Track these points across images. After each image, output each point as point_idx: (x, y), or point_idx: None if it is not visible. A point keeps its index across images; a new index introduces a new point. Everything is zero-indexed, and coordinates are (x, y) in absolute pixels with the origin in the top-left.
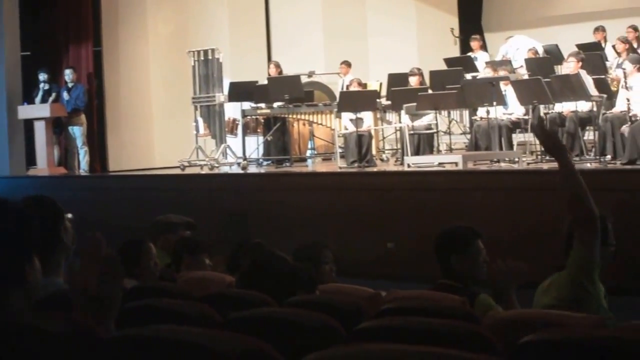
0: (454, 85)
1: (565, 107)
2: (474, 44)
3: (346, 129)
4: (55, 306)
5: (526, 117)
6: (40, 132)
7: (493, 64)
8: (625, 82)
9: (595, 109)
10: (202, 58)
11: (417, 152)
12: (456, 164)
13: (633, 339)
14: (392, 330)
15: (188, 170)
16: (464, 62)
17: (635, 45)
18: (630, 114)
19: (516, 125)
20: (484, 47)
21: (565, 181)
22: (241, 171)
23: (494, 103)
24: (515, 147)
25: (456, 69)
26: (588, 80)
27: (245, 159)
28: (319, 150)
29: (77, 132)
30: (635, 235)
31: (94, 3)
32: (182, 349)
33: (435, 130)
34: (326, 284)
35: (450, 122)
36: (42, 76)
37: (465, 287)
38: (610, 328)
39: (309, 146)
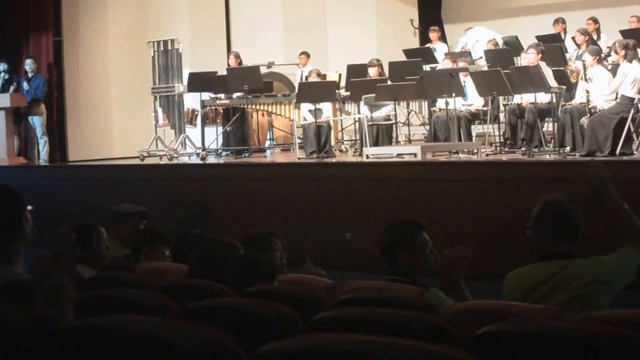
0: (413, 77)
1: (524, 99)
2: (433, 35)
3: (305, 119)
4: (13, 295)
5: (485, 108)
6: (0, 122)
7: (452, 55)
8: (585, 74)
9: (554, 100)
10: (161, 48)
11: (376, 143)
12: (415, 155)
13: (590, 330)
14: (350, 321)
15: (147, 161)
16: (423, 53)
17: (595, 37)
18: (590, 106)
19: (475, 117)
20: (442, 39)
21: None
22: (200, 161)
23: (453, 94)
24: (474, 138)
25: (415, 60)
26: (547, 72)
27: (204, 149)
28: (277, 140)
29: (37, 122)
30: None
31: None
32: (140, 339)
33: (394, 121)
34: (279, 271)
35: (409, 113)
36: (2, 66)
37: (413, 281)
38: (567, 319)
39: (268, 137)
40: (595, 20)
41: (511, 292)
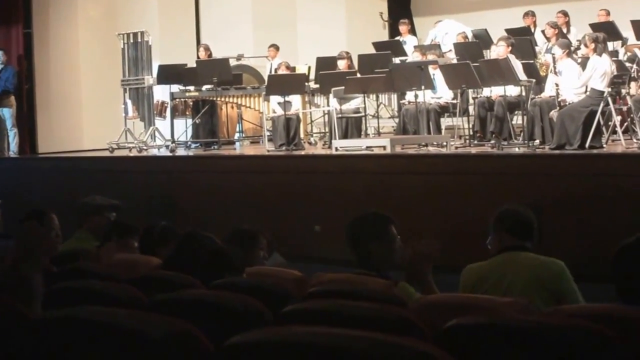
0: (383, 69)
1: (493, 92)
2: (402, 28)
3: (274, 112)
4: None
5: (454, 101)
6: None
7: (422, 48)
8: (555, 67)
9: (524, 93)
10: (131, 41)
11: (345, 135)
12: (384, 147)
13: (557, 323)
14: (318, 313)
15: (117, 153)
16: (393, 46)
17: (564, 30)
18: (559, 99)
19: (444, 110)
20: (412, 32)
21: None
22: (169, 154)
23: (423, 87)
24: (443, 131)
25: (385, 52)
26: (517, 65)
27: (173, 141)
28: (247, 133)
29: (7, 113)
30: (562, 218)
31: None
32: (109, 331)
33: (363, 114)
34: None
35: (378, 105)
36: None
37: (381, 275)
38: (535, 312)
39: (237, 129)
40: (565, 14)
41: (465, 283)
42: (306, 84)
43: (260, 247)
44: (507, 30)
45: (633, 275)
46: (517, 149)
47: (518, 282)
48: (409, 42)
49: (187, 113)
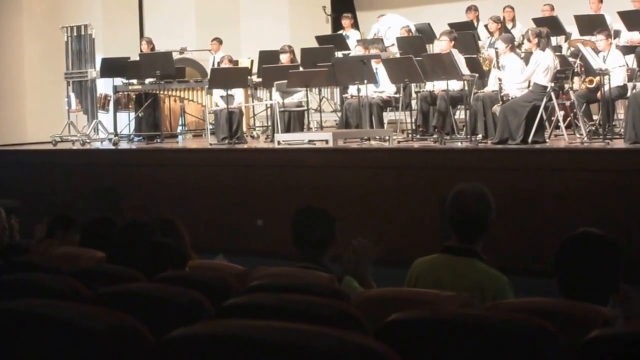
0: (325, 63)
1: (436, 86)
2: (345, 22)
3: (217, 105)
4: None
5: (397, 95)
6: None
7: (365, 42)
8: (498, 62)
9: (466, 88)
10: (74, 34)
11: (287, 129)
12: (326, 141)
13: (498, 317)
14: (259, 307)
15: (60, 146)
16: (336, 40)
17: (511, 25)
18: (502, 94)
19: (387, 104)
20: (355, 26)
21: None
22: (112, 147)
23: (365, 81)
24: (385, 126)
25: (327, 46)
26: (460, 59)
27: (116, 134)
28: (189, 126)
29: None
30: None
31: None
32: (51, 324)
33: (306, 108)
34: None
35: (321, 99)
36: None
37: (324, 268)
38: (476, 307)
39: (180, 122)
40: (513, 8)
41: (411, 274)
42: (249, 77)
43: (183, 235)
44: (450, 25)
45: (574, 270)
46: (459, 144)
47: (459, 287)
48: (351, 37)
49: (130, 106)
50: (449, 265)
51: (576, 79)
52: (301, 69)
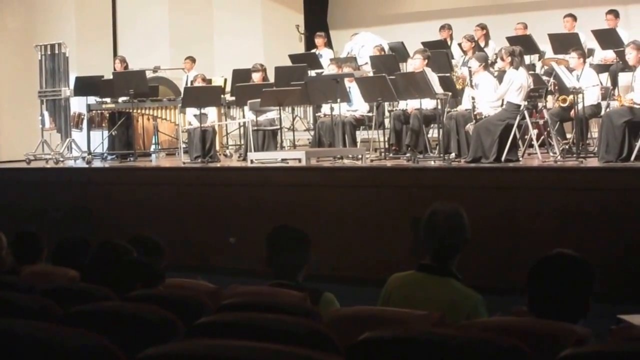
0: (299, 82)
1: (409, 105)
2: (318, 41)
3: (190, 124)
4: None
5: (370, 114)
6: None
7: (338, 61)
8: (471, 81)
9: (439, 106)
10: (48, 52)
11: (260, 148)
12: (299, 160)
13: (471, 337)
14: (231, 326)
15: (34, 164)
16: (309, 59)
17: (483, 43)
18: (475, 112)
19: (360, 122)
20: (328, 44)
21: None
22: (86, 165)
23: (338, 100)
24: (358, 144)
25: (301, 65)
26: (433, 78)
27: (90, 153)
28: (163, 145)
29: None
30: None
31: None
32: (22, 343)
33: (279, 127)
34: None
35: (294, 118)
36: None
37: (297, 286)
38: (449, 325)
39: (153, 141)
40: (484, 27)
41: (386, 289)
42: (222, 96)
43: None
44: (423, 44)
45: (545, 289)
46: (432, 162)
47: (434, 305)
48: (324, 55)
49: (104, 125)
50: (424, 283)
51: (550, 97)
52: (274, 87)
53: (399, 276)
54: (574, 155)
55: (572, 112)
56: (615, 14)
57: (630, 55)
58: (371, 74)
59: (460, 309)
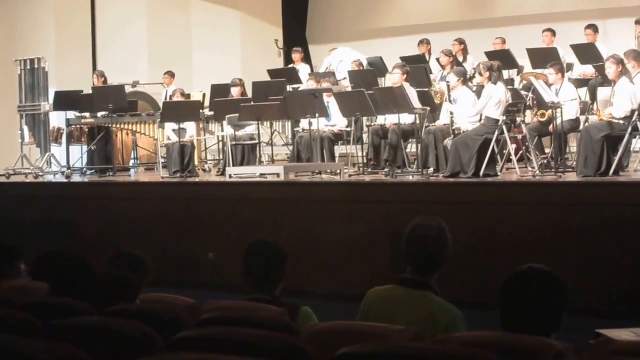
0: (277, 97)
1: (388, 120)
2: (296, 56)
3: (169, 139)
4: None
5: (349, 129)
6: None
7: (317, 76)
8: (449, 95)
9: (418, 121)
10: (28, 67)
11: (239, 163)
12: (278, 175)
13: (448, 351)
14: (210, 341)
15: (13, 179)
16: (288, 74)
17: (461, 58)
18: (454, 127)
19: (339, 137)
20: (306, 60)
21: None
22: (65, 180)
23: (317, 115)
24: (337, 159)
25: (279, 80)
26: (412, 93)
27: (69, 168)
28: (142, 160)
29: None
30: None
31: None
32: (1, 357)
33: (257, 142)
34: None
35: (272, 133)
36: None
37: (276, 301)
38: (426, 340)
39: (133, 156)
40: (461, 42)
41: (365, 304)
42: (201, 111)
43: (148, 272)
44: (402, 58)
45: (517, 305)
46: (411, 177)
47: (413, 318)
48: (302, 71)
49: (83, 140)
50: (403, 297)
51: (528, 112)
52: (253, 102)
53: (377, 290)
54: (553, 170)
55: (550, 127)
56: (594, 28)
57: (610, 70)
58: (350, 89)
59: (439, 322)
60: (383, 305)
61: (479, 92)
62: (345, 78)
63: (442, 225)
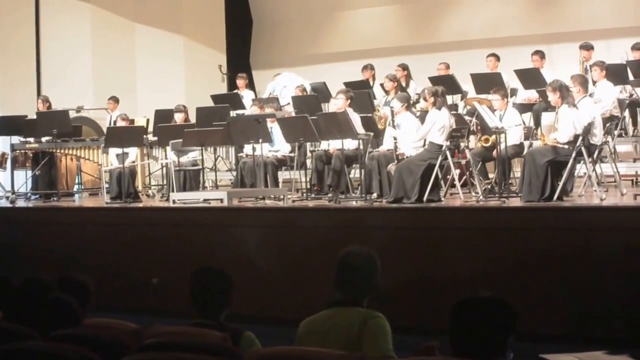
0: (221, 122)
1: (331, 145)
2: (240, 82)
3: (112, 164)
4: None
5: (292, 154)
6: None
7: (260, 101)
8: (393, 121)
9: (361, 147)
10: None
11: (183, 188)
12: (221, 200)
13: None
14: None
15: None
16: (231, 99)
17: (404, 83)
18: (397, 153)
19: (282, 163)
20: (250, 86)
21: None
22: (9, 205)
23: (260, 140)
24: (280, 185)
25: (223, 105)
26: (355, 118)
27: (13, 192)
28: (86, 185)
29: None
30: (399, 272)
31: None
32: None
33: (201, 167)
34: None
35: (216, 158)
36: None
37: (220, 326)
38: None
39: (77, 181)
40: (405, 67)
41: (298, 336)
42: (145, 136)
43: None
44: (345, 84)
45: (466, 331)
46: (354, 203)
47: (344, 331)
48: (246, 96)
49: (27, 164)
50: (330, 317)
51: (472, 137)
52: (196, 127)
53: (308, 321)
54: (497, 195)
55: (494, 152)
56: (541, 54)
57: (550, 97)
58: (293, 114)
59: (368, 326)
60: (316, 329)
61: (422, 117)
62: (288, 103)
63: (372, 254)
